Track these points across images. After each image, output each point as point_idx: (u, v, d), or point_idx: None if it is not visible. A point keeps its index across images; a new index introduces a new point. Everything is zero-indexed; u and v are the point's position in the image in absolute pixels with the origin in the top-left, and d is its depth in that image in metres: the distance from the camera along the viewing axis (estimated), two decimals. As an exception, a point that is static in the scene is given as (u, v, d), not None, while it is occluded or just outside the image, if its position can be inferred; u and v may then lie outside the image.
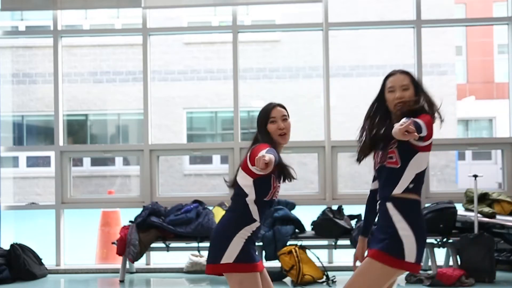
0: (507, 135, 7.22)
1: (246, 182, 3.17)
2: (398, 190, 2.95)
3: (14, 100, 16.30)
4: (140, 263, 6.70)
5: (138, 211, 6.51)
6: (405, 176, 2.95)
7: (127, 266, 6.41)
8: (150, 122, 7.02)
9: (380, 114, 3.10)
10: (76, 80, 16.09)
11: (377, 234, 2.99)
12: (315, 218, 6.37)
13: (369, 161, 3.31)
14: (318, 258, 6.05)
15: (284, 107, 3.30)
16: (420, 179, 3.01)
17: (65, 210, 7.09)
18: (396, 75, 3.08)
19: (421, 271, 6.17)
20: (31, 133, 17.29)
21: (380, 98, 3.11)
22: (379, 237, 2.96)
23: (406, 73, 3.09)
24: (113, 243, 6.44)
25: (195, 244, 6.28)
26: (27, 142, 17.14)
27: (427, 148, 2.98)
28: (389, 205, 2.96)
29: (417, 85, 3.07)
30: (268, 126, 3.22)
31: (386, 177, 3.00)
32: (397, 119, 2.91)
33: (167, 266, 6.83)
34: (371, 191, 3.21)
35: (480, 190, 6.28)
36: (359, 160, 3.21)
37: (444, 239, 6.14)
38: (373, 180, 3.20)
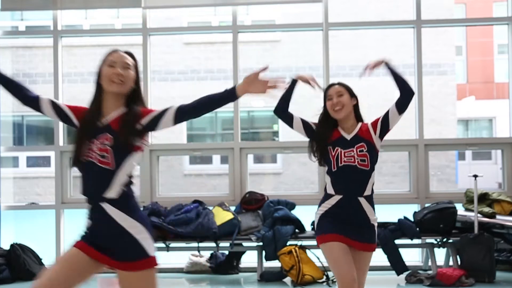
0: (507, 135, 7.22)
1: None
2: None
3: (14, 100, 16.24)
4: (140, 263, 6.69)
5: (138, 211, 6.50)
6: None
7: (127, 266, 6.39)
8: (150, 122, 7.01)
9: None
10: (76, 80, 16.09)
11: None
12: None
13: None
14: (318, 258, 6.05)
15: (342, 85, 3.60)
16: None
17: (65, 210, 7.09)
18: None
19: (421, 271, 6.18)
20: (31, 133, 17.28)
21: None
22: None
23: None
24: (113, 243, 6.43)
25: (195, 244, 6.28)
26: (27, 142, 17.14)
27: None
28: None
29: None
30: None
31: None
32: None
33: (167, 266, 6.83)
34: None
35: (480, 190, 6.28)
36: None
37: (444, 239, 6.14)
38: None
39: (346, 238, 3.35)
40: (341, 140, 3.49)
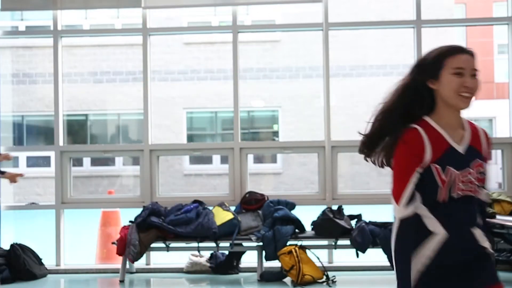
0: (507, 135, 7.22)
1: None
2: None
3: (14, 100, 16.30)
4: (140, 263, 6.70)
5: (138, 211, 6.51)
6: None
7: (127, 266, 6.41)
8: (150, 122, 7.02)
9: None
10: (76, 80, 16.09)
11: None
12: (315, 218, 6.37)
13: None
14: (318, 258, 6.05)
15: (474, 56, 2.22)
16: None
17: (65, 210, 7.09)
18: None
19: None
20: (31, 133, 17.29)
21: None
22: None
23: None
24: (113, 243, 6.44)
25: (195, 244, 6.28)
26: (27, 142, 17.14)
27: None
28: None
29: None
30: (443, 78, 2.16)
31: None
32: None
33: (167, 266, 6.84)
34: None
35: (480, 190, 6.27)
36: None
37: (444, 239, 6.12)
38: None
39: None
40: (452, 155, 2.17)
